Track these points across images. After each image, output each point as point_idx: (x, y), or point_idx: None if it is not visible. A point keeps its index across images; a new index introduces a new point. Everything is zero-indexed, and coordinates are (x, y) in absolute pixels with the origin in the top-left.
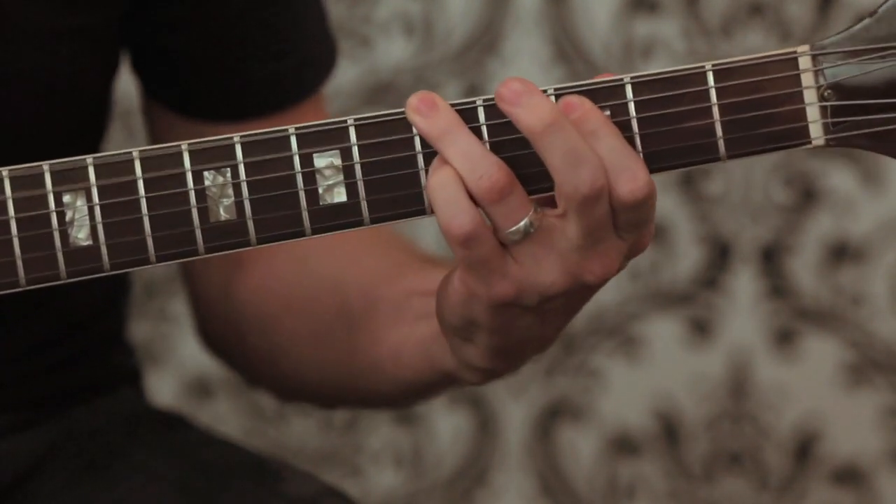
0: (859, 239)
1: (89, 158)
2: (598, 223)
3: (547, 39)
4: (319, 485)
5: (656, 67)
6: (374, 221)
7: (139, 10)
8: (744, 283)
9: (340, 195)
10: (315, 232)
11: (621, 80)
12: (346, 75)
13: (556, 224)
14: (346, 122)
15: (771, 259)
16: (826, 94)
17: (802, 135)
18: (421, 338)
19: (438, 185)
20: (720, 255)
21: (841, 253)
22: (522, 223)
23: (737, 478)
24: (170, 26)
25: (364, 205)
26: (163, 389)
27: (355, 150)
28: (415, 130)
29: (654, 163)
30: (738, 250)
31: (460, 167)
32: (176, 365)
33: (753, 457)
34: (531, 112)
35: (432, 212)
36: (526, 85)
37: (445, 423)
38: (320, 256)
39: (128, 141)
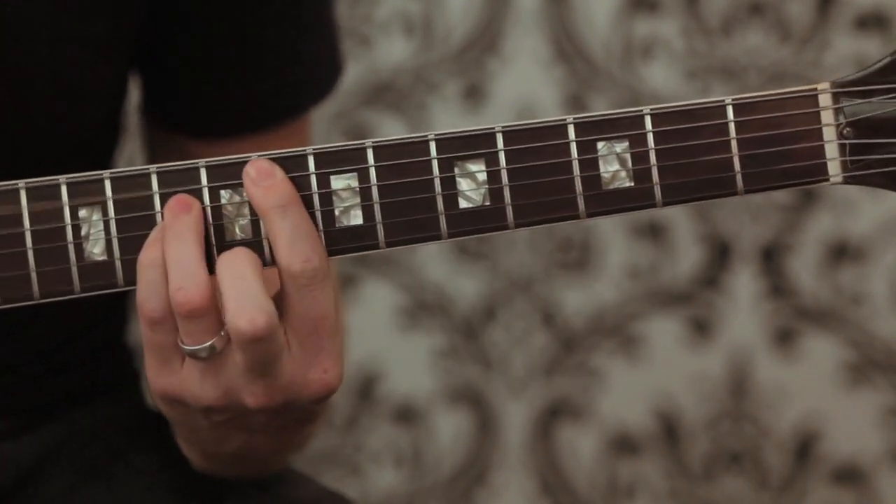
0: (859, 239)
1: (106, 173)
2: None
3: (547, 39)
4: (320, 488)
5: (656, 67)
6: (389, 245)
7: (149, 23)
8: (744, 283)
9: (357, 217)
10: (331, 254)
11: (640, 111)
12: (346, 75)
13: (229, 353)
14: (364, 144)
15: (771, 259)
16: (845, 131)
17: (820, 172)
18: None
19: (147, 262)
20: (720, 254)
21: (841, 253)
22: (205, 345)
23: (737, 478)
24: (168, 45)
25: (380, 228)
26: None
27: (372, 172)
28: (433, 153)
29: (671, 195)
30: (738, 250)
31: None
32: None
33: (753, 457)
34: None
35: (448, 237)
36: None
37: (445, 423)
38: None
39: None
